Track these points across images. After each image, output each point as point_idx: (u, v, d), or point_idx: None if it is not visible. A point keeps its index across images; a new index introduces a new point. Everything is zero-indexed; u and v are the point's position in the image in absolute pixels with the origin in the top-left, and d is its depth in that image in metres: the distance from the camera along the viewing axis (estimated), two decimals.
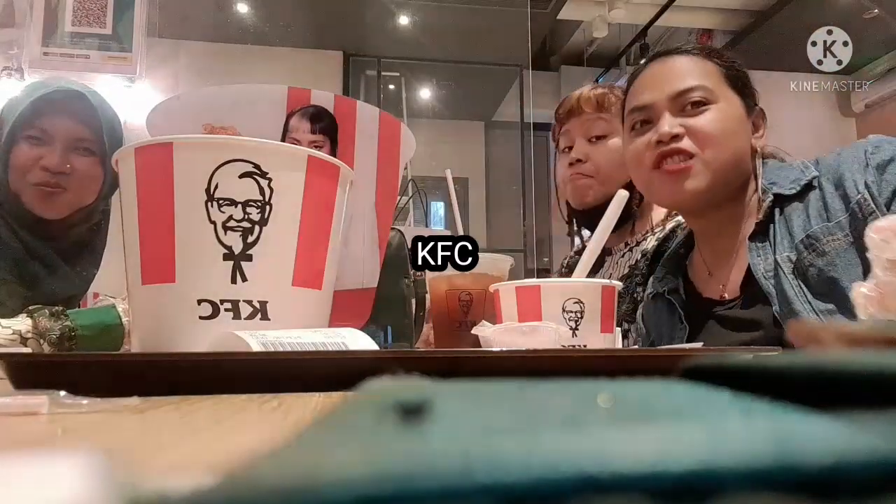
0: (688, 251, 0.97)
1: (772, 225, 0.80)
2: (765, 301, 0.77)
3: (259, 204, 0.49)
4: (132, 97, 1.60)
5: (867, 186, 0.72)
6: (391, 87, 4.68)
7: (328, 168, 0.54)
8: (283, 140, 0.72)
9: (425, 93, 4.94)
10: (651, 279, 1.00)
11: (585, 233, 1.25)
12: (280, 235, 0.50)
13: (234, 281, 0.48)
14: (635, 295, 1.08)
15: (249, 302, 0.49)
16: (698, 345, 0.78)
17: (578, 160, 1.16)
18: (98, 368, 0.39)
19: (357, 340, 0.54)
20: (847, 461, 0.08)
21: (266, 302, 0.49)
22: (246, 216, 0.49)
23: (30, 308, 0.77)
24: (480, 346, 0.60)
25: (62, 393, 0.29)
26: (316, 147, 0.73)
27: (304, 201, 0.51)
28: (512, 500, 0.07)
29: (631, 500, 0.08)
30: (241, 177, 0.48)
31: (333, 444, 0.10)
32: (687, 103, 0.83)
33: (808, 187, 0.79)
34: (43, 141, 0.96)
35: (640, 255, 1.14)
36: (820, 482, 0.08)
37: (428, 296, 0.88)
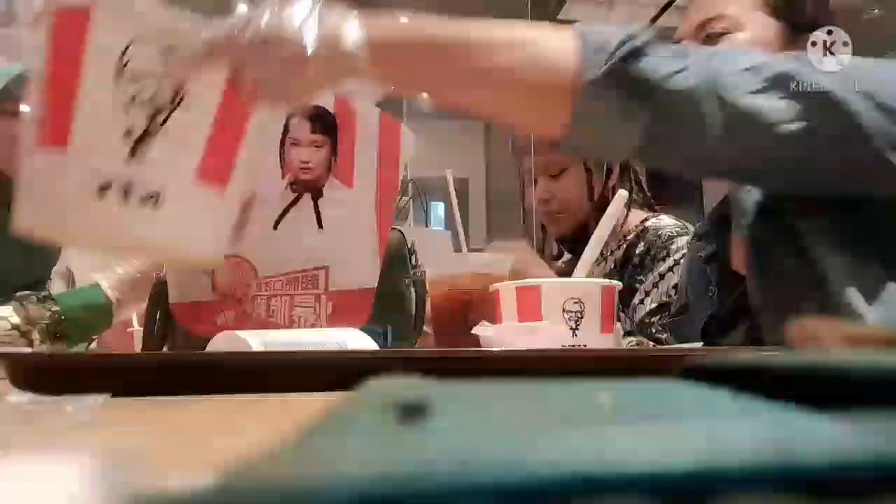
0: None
1: None
2: None
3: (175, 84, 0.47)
4: None
5: None
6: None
7: None
8: (282, 140, 0.72)
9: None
10: (696, 227, 0.94)
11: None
12: (191, 122, 0.48)
13: (131, 159, 0.46)
14: None
15: (143, 185, 0.46)
16: (698, 345, 0.78)
17: (546, 200, 1.20)
18: (98, 368, 0.39)
19: (357, 340, 0.54)
20: (847, 461, 0.08)
21: (162, 189, 0.47)
22: (159, 93, 0.46)
23: (17, 295, 0.76)
24: (480, 347, 0.60)
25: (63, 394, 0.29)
26: (316, 147, 0.73)
27: (225, 93, 0.49)
28: (512, 500, 0.08)
29: (631, 500, 0.08)
30: (161, 54, 0.47)
31: (333, 443, 0.10)
32: (707, 35, 0.77)
33: None
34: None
35: (612, 265, 1.17)
36: (820, 482, 0.08)
37: (428, 296, 0.88)
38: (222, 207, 0.52)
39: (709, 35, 0.77)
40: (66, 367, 0.39)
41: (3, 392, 0.34)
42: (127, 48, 0.46)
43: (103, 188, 0.46)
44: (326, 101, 0.73)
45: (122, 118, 0.46)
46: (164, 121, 0.47)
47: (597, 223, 1.14)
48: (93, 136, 0.46)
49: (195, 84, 0.48)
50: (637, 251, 1.14)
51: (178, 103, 0.47)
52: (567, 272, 1.23)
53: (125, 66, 0.46)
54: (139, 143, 0.47)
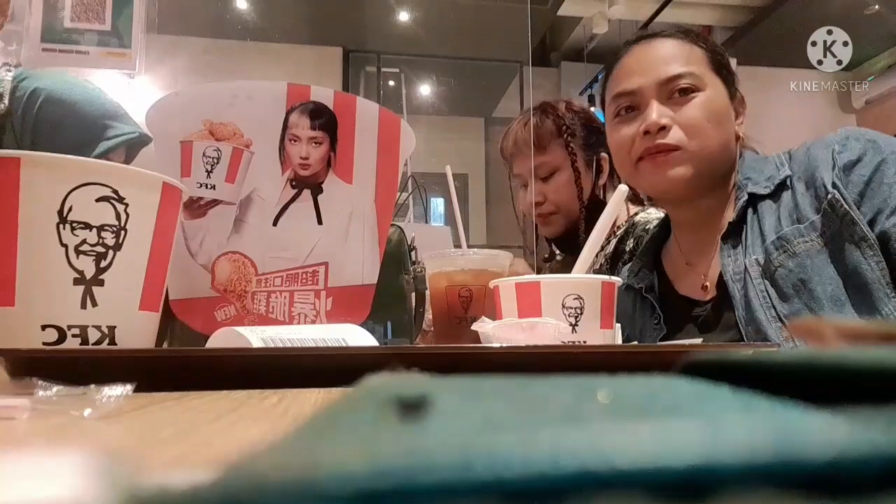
0: (661, 243, 0.96)
1: (744, 226, 0.79)
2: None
3: (115, 229, 0.48)
4: (131, 93, 1.60)
5: (836, 186, 0.71)
6: (391, 83, 4.67)
7: (176, 192, 0.54)
8: (283, 136, 0.72)
9: (425, 89, 4.93)
10: (625, 269, 0.99)
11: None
12: (132, 260, 0.50)
13: (83, 306, 0.47)
14: None
15: (98, 327, 0.48)
16: (697, 341, 0.78)
17: (538, 203, 1.24)
18: (97, 364, 0.39)
19: (357, 336, 0.54)
20: (847, 457, 0.08)
21: (115, 327, 0.48)
22: (101, 241, 0.48)
23: None
24: (480, 343, 0.60)
25: (62, 387, 0.29)
26: (316, 143, 0.73)
27: (156, 227, 0.51)
28: (511, 496, 0.07)
29: (630, 495, 0.08)
30: (97, 201, 0.48)
31: (333, 439, 0.10)
32: (675, 90, 0.81)
33: (782, 186, 0.78)
34: None
35: (603, 260, 1.19)
36: (820, 478, 0.08)
37: (427, 292, 0.88)
38: (156, 322, 0.55)
39: (678, 90, 0.81)
40: (64, 362, 0.39)
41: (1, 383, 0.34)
42: (68, 195, 0.47)
43: (61, 338, 0.47)
44: (326, 97, 0.73)
45: (71, 267, 0.47)
46: (110, 265, 0.48)
47: (587, 223, 1.18)
48: (42, 290, 0.46)
49: (132, 225, 0.49)
50: (627, 247, 1.15)
51: (121, 245, 0.49)
52: (559, 271, 1.25)
53: (68, 213, 0.47)
54: (89, 289, 0.48)
